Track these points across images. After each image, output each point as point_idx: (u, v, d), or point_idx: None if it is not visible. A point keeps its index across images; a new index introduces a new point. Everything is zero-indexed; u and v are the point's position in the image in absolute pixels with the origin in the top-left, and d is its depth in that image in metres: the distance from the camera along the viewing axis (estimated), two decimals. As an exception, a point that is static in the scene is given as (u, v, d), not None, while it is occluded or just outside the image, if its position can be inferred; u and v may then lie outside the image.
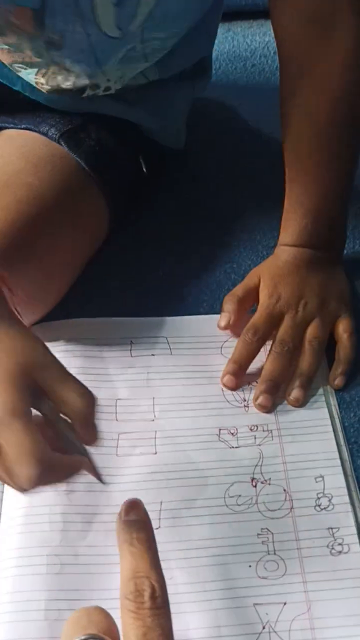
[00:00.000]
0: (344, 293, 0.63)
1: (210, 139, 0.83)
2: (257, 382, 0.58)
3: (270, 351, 0.59)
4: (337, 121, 0.58)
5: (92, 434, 0.47)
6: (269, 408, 0.56)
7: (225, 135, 0.83)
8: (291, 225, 0.62)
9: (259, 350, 0.59)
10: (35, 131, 0.63)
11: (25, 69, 0.62)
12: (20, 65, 0.62)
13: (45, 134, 0.63)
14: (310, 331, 0.59)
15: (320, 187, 0.61)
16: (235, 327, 0.61)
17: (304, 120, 0.59)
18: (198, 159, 0.80)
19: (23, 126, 0.64)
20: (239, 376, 0.58)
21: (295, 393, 0.57)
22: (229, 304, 0.62)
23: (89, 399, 0.46)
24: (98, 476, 0.49)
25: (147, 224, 0.72)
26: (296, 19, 0.56)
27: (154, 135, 0.72)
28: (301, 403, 0.57)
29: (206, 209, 0.75)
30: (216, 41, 0.97)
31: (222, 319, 0.61)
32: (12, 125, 0.65)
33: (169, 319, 0.63)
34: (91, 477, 0.50)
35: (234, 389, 0.58)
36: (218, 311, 0.64)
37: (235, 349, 0.59)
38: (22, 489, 0.44)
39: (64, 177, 0.61)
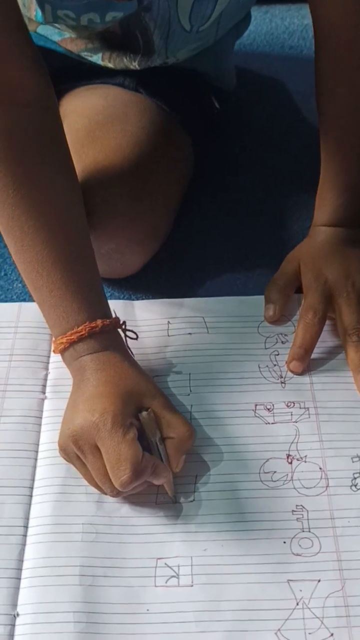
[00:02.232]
0: None
1: (246, 120, 0.82)
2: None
3: (348, 343, 0.57)
4: None
5: (179, 460, 0.50)
6: None
7: (261, 115, 0.83)
8: (327, 204, 0.62)
9: (321, 331, 0.58)
10: (110, 84, 0.67)
11: (91, 56, 0.65)
12: (87, 53, 0.65)
13: (121, 85, 0.67)
14: None
15: (356, 167, 0.60)
16: (280, 315, 0.61)
17: (343, 98, 0.58)
18: (232, 137, 0.79)
19: (98, 81, 0.67)
20: (306, 360, 0.57)
21: None
22: (272, 294, 0.62)
23: (192, 430, 0.51)
24: (174, 493, 0.50)
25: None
26: (342, 7, 0.54)
27: (210, 78, 0.74)
28: None
29: (240, 189, 0.75)
30: (254, 22, 0.97)
31: (268, 310, 0.61)
32: (84, 82, 0.68)
33: (205, 299, 0.63)
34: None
35: (301, 373, 0.57)
36: (252, 290, 0.63)
37: (297, 333, 0.58)
38: (115, 492, 0.48)
39: (150, 120, 0.65)
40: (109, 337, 0.52)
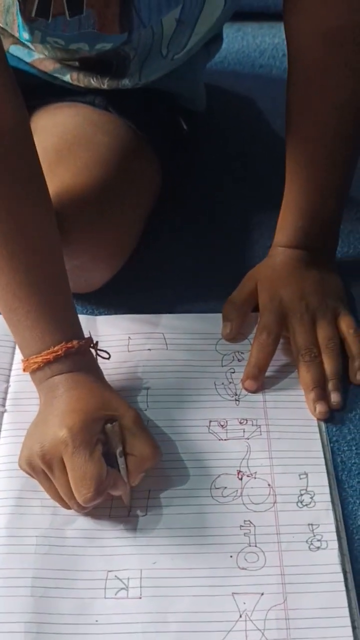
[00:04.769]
0: (339, 290, 0.64)
1: (215, 137, 0.84)
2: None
3: (300, 362, 0.59)
4: (341, 131, 0.60)
5: (138, 478, 0.52)
6: (327, 414, 0.58)
7: (230, 134, 0.85)
8: (287, 227, 0.64)
9: (274, 351, 0.60)
10: (81, 102, 0.68)
11: (63, 75, 0.67)
12: (57, 74, 0.67)
13: (91, 104, 0.68)
14: (323, 334, 0.60)
15: (319, 191, 0.62)
16: (237, 333, 0.63)
17: (309, 128, 0.61)
18: (201, 157, 0.81)
19: (69, 99, 0.68)
20: (259, 379, 0.59)
21: (334, 397, 0.58)
22: (229, 312, 0.63)
23: (158, 452, 0.52)
24: (129, 507, 0.52)
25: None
26: (312, 31, 0.57)
27: (180, 99, 0.76)
28: (342, 404, 0.58)
29: (205, 207, 0.76)
30: (226, 40, 0.99)
31: (225, 327, 0.63)
32: (55, 100, 0.69)
33: (166, 315, 0.65)
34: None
35: (255, 392, 0.59)
36: (212, 308, 0.65)
37: (252, 353, 0.60)
38: (79, 508, 0.50)
39: (118, 139, 0.66)
40: (83, 358, 0.53)
